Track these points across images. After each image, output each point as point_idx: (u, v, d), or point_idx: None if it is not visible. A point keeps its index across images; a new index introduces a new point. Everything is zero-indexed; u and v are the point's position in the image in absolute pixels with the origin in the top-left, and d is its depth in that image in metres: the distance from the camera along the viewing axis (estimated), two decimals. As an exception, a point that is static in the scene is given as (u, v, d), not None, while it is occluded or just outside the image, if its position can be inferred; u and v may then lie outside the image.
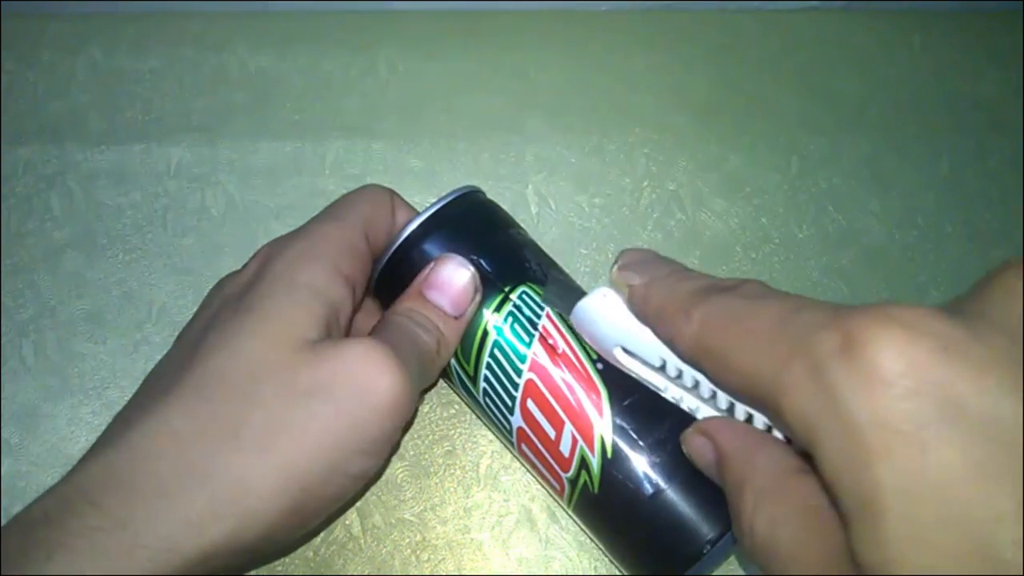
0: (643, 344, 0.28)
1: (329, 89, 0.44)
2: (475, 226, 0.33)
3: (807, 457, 0.21)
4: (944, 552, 0.16)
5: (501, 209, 0.35)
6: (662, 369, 0.28)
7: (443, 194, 0.33)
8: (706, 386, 0.27)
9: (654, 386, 0.29)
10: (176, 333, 0.38)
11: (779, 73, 0.46)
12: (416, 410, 0.38)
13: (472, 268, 0.31)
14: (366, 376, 0.27)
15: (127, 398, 0.37)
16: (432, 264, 0.31)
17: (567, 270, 0.35)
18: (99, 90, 0.43)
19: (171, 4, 0.44)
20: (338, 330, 0.29)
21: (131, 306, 0.39)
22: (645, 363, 0.28)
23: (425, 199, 0.42)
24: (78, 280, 0.39)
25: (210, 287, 0.39)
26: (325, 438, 0.26)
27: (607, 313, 0.28)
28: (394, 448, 0.37)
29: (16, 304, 0.39)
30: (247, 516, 0.25)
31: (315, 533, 0.36)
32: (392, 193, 0.34)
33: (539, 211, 0.42)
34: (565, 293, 0.32)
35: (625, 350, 0.29)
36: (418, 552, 0.36)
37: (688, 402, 0.28)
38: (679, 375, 0.27)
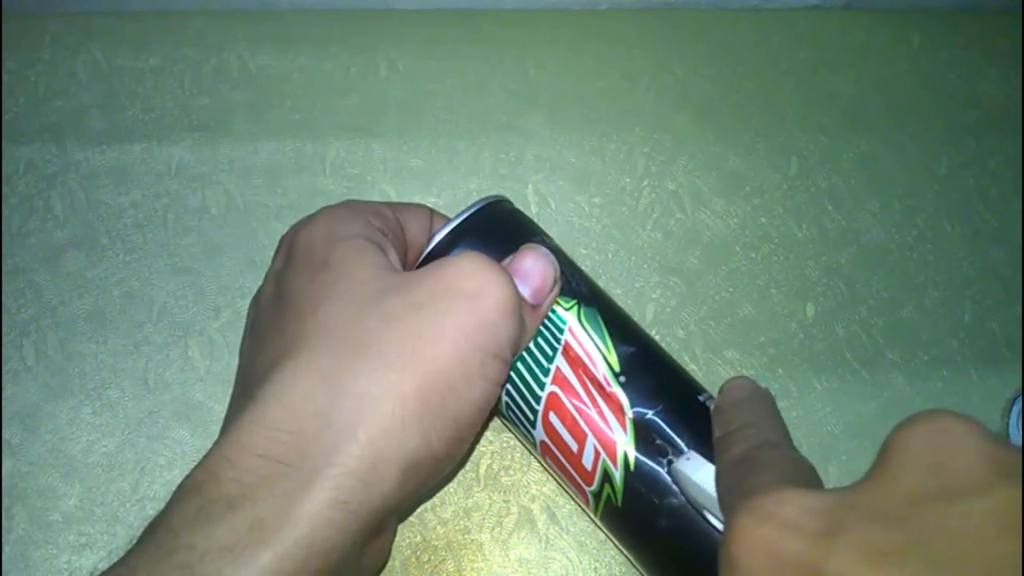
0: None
1: (329, 89, 0.44)
2: (503, 234, 0.32)
3: None
4: None
5: (528, 218, 0.34)
6: None
7: (470, 202, 0.33)
8: None
9: None
10: (177, 333, 0.39)
11: (779, 73, 0.46)
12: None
13: (554, 259, 0.30)
14: (480, 280, 0.27)
15: (128, 398, 0.38)
16: (515, 252, 0.30)
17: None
18: (100, 89, 0.43)
19: (172, 3, 0.44)
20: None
21: (132, 306, 0.39)
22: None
23: (425, 199, 0.42)
24: (79, 280, 0.39)
25: (210, 286, 0.40)
26: (460, 339, 0.26)
27: (690, 475, 0.28)
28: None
29: (17, 304, 0.39)
30: (407, 427, 0.25)
31: (470, 452, 0.36)
32: (432, 209, 0.34)
33: (539, 211, 0.42)
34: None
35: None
36: (418, 553, 0.36)
37: None
38: None
